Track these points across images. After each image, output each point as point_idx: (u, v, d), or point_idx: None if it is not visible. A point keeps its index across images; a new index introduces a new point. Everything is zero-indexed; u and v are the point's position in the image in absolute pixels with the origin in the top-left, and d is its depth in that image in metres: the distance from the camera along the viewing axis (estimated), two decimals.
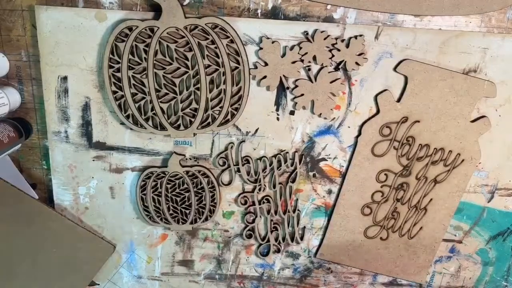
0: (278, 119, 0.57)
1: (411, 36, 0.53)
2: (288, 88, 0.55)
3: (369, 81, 0.55)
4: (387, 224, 0.62)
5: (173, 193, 0.59)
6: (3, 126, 0.53)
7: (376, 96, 0.56)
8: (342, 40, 0.53)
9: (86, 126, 0.57)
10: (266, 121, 0.57)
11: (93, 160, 0.58)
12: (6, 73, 0.54)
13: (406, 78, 0.55)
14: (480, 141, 0.58)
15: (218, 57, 0.52)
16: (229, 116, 0.55)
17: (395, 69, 0.55)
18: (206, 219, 0.61)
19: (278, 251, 0.64)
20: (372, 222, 0.62)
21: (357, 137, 0.58)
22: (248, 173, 0.59)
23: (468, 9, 0.52)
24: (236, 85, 0.54)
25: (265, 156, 0.58)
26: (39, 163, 0.59)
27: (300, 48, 0.53)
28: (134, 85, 0.53)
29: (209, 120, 0.55)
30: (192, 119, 0.55)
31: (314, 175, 0.60)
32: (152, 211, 0.60)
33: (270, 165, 0.59)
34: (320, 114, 0.56)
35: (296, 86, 0.55)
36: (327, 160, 0.59)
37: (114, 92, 0.53)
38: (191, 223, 0.61)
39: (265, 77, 0.54)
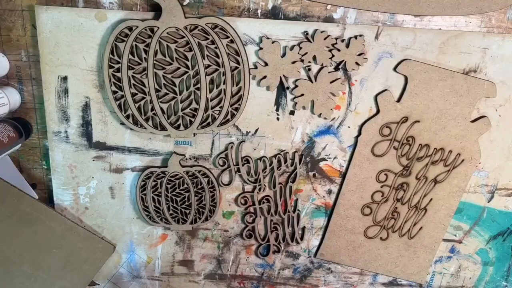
0: (278, 119, 0.57)
1: (411, 36, 0.53)
2: (288, 88, 0.55)
3: (369, 81, 0.55)
4: (387, 224, 0.62)
5: (173, 193, 0.59)
6: (3, 126, 0.53)
7: (376, 96, 0.56)
8: (342, 40, 0.53)
9: (86, 126, 0.57)
10: (266, 121, 0.57)
11: (93, 160, 0.58)
12: (6, 73, 0.54)
13: (406, 78, 0.55)
14: (480, 141, 0.58)
15: (218, 57, 0.52)
16: (229, 116, 0.55)
17: (395, 69, 0.55)
18: (206, 219, 0.61)
19: (278, 251, 0.64)
20: (372, 222, 0.62)
21: (357, 137, 0.58)
22: (248, 173, 0.59)
23: (468, 9, 0.52)
24: (236, 85, 0.54)
25: (265, 156, 0.58)
26: (39, 163, 0.59)
27: (300, 48, 0.53)
28: (134, 85, 0.53)
29: (209, 120, 0.55)
30: (192, 119, 0.55)
31: (314, 175, 0.60)
32: (152, 211, 0.60)
33: (270, 165, 0.59)
34: (320, 114, 0.56)
35: (296, 86, 0.55)
36: (327, 160, 0.59)
37: (114, 92, 0.53)
38: (191, 223, 0.61)
39: (265, 77, 0.54)
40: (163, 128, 0.55)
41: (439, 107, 0.56)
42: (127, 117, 0.55)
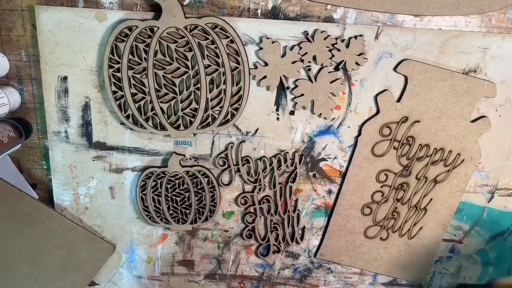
0: (278, 119, 0.57)
1: (411, 36, 0.53)
2: (288, 88, 0.55)
3: (369, 81, 0.55)
4: (387, 224, 0.62)
5: (173, 193, 0.59)
6: (3, 126, 0.53)
7: (376, 96, 0.56)
8: (342, 40, 0.53)
9: (86, 126, 0.57)
10: (266, 121, 0.57)
11: (93, 160, 0.58)
12: (6, 73, 0.54)
13: (406, 78, 0.55)
14: (480, 141, 0.58)
15: (218, 57, 0.52)
16: (229, 116, 0.55)
17: (395, 69, 0.55)
18: (206, 219, 0.61)
19: (278, 251, 0.64)
20: (372, 222, 0.62)
21: (357, 137, 0.58)
22: (248, 173, 0.59)
23: (468, 9, 0.52)
24: (236, 85, 0.54)
25: (265, 156, 0.58)
26: (39, 163, 0.59)
27: (300, 48, 0.53)
28: (134, 85, 0.53)
29: (209, 120, 0.55)
30: (192, 119, 0.55)
31: (314, 175, 0.60)
32: (152, 211, 0.60)
33: (270, 165, 0.59)
34: (320, 114, 0.56)
35: (296, 86, 0.55)
36: (327, 160, 0.59)
37: (114, 92, 0.53)
38: (191, 223, 0.61)
39: (265, 77, 0.54)
40: (163, 128, 0.55)
41: (439, 107, 0.56)
42: (127, 117, 0.55)
